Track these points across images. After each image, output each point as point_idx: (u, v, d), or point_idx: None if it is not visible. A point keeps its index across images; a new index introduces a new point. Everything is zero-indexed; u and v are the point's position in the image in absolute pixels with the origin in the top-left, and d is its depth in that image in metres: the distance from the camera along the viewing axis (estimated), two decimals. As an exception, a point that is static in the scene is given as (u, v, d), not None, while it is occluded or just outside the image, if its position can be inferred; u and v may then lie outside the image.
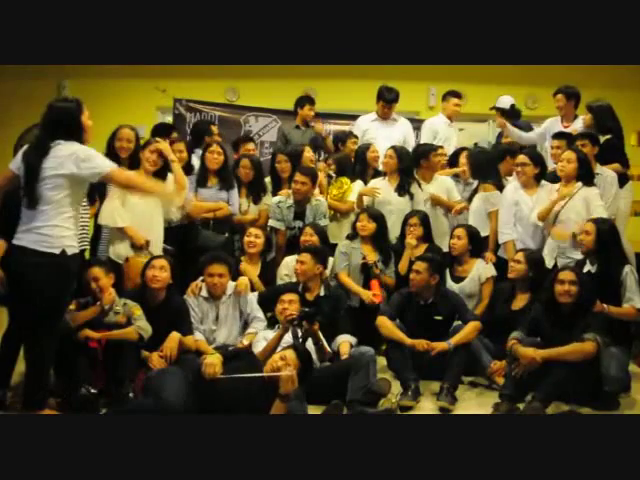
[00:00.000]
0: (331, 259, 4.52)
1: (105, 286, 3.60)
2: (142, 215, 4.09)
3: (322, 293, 4.15)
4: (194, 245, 4.41)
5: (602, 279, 3.83)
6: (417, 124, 6.18)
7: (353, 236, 4.71)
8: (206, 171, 4.68)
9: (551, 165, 4.85)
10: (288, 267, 4.45)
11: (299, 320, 3.52)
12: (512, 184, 4.67)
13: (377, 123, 5.74)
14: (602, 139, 4.75)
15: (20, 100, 6.63)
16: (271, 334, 3.72)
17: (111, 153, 4.32)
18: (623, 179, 4.79)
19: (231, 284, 4.02)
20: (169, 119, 6.87)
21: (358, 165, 5.27)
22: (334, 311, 4.06)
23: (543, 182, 4.57)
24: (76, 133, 3.09)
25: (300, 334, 3.52)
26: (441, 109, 5.99)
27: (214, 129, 5.42)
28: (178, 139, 4.97)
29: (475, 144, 6.11)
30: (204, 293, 3.98)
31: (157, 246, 4.13)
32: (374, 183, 4.99)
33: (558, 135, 4.93)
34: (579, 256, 4.12)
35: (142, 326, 3.55)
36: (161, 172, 4.13)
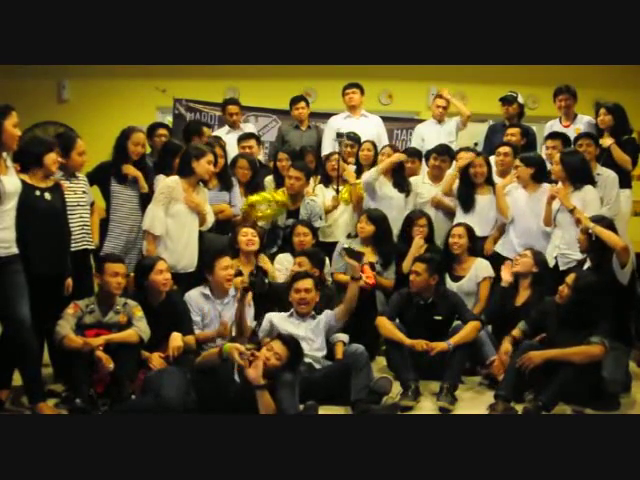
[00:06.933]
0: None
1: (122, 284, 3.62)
2: (183, 225, 4.13)
3: None
4: (200, 249, 4.42)
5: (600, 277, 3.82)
6: (417, 124, 6.19)
7: (353, 236, 4.73)
8: None
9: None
10: (281, 264, 4.51)
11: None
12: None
13: (349, 120, 5.75)
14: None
15: (20, 100, 6.61)
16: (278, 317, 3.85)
17: (121, 153, 4.38)
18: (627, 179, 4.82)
19: (232, 289, 4.02)
20: (169, 119, 6.87)
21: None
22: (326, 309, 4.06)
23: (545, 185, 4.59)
24: None
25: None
26: None
27: (207, 131, 5.22)
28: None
29: (475, 144, 6.12)
30: (206, 291, 3.97)
31: (192, 257, 4.15)
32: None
33: (553, 135, 4.94)
34: (578, 256, 4.14)
35: (142, 328, 3.55)
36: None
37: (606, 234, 3.83)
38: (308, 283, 3.85)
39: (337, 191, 5.04)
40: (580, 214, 4.08)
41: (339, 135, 5.18)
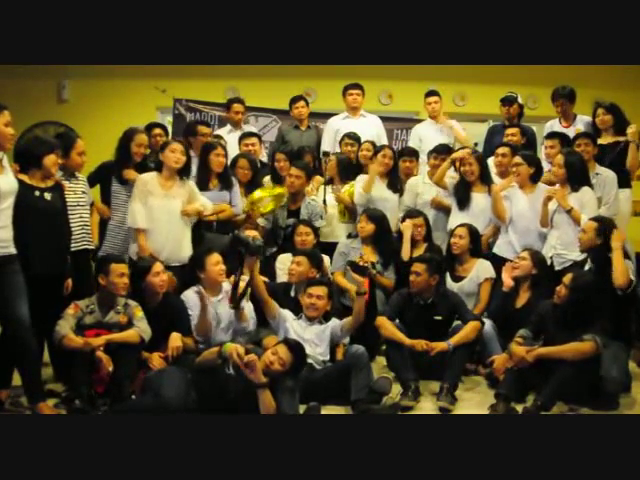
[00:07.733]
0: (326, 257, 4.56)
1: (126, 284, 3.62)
2: (159, 219, 4.15)
3: None
4: (200, 249, 4.42)
5: (599, 277, 3.81)
6: (417, 124, 6.19)
7: (354, 236, 4.74)
8: (207, 173, 4.65)
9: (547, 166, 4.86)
10: (283, 264, 4.52)
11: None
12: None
13: (348, 121, 5.78)
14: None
15: (20, 100, 6.62)
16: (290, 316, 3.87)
17: (124, 153, 4.39)
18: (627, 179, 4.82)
19: (225, 284, 4.03)
20: (169, 119, 6.88)
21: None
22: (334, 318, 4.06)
23: (540, 185, 4.58)
24: None
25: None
26: None
27: (201, 129, 5.18)
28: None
29: (475, 144, 6.12)
30: (200, 289, 3.96)
31: (174, 251, 4.16)
32: (362, 179, 5.00)
33: (551, 135, 4.94)
34: (574, 256, 4.15)
35: (143, 328, 3.55)
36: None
37: (616, 264, 3.76)
38: (321, 290, 3.86)
39: (325, 201, 4.99)
40: (589, 227, 3.96)
41: (325, 154, 5.31)
